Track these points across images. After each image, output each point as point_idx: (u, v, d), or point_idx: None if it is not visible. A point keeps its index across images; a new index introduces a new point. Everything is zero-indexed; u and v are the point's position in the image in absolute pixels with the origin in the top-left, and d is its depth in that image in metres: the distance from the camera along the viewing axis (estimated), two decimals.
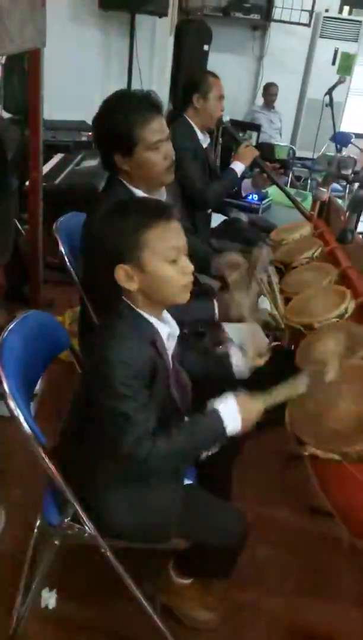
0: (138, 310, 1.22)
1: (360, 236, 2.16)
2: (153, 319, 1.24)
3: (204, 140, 2.60)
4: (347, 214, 1.74)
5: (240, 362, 1.50)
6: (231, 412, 1.22)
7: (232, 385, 1.33)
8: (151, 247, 1.17)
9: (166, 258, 1.18)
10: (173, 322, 1.32)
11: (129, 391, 1.14)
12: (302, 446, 1.27)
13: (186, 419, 1.39)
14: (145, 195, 1.70)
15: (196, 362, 1.52)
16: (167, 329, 1.27)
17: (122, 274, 1.18)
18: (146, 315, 1.23)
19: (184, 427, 1.24)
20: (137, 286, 1.19)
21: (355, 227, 1.78)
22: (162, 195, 1.78)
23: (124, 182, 1.68)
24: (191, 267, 1.23)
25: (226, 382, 1.44)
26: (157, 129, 1.62)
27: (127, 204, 1.27)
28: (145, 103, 1.63)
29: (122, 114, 1.59)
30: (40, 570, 1.38)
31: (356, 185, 2.30)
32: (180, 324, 1.37)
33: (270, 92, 6.14)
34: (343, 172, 3.03)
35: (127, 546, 1.37)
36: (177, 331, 1.33)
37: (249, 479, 2.04)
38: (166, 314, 1.31)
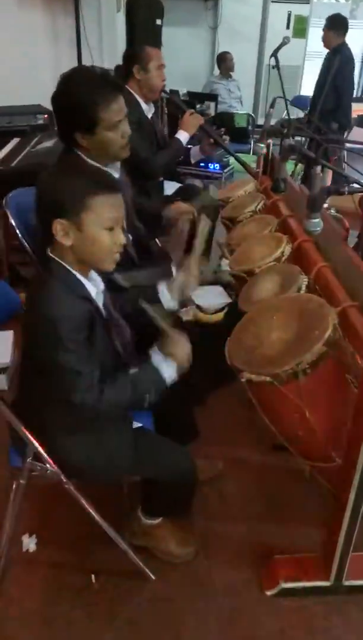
0: (67, 266, 1.29)
1: (299, 186, 2.27)
2: (81, 277, 1.32)
3: (149, 110, 2.67)
4: (279, 164, 1.83)
5: (166, 297, 1.60)
6: (160, 361, 1.37)
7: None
8: (94, 210, 1.25)
9: (104, 225, 1.27)
10: (98, 279, 1.40)
11: (73, 345, 1.24)
12: (240, 374, 1.39)
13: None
14: (98, 167, 1.76)
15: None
16: (94, 289, 1.36)
17: (60, 228, 1.25)
18: (74, 272, 1.31)
19: (127, 376, 1.37)
20: (71, 243, 1.26)
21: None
22: (116, 167, 1.86)
23: (81, 154, 1.74)
24: (123, 240, 1.32)
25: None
26: (117, 110, 1.67)
27: (83, 167, 1.37)
28: (107, 83, 1.68)
29: (85, 94, 1.62)
30: (13, 514, 1.49)
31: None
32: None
33: (225, 61, 6.16)
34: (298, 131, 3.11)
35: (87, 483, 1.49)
36: (102, 286, 1.41)
37: (216, 425, 2.18)
38: (92, 273, 1.38)
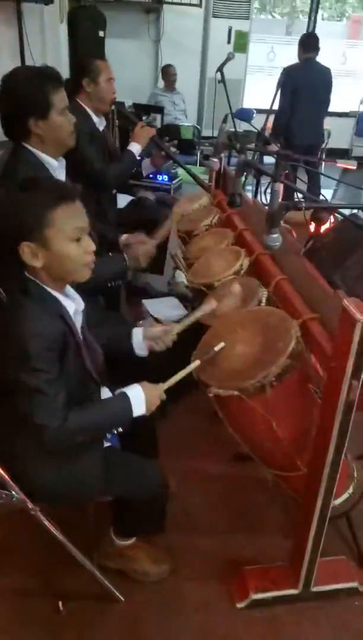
0: (43, 285, 1.28)
1: (252, 200, 2.32)
2: (57, 294, 1.30)
3: (100, 123, 2.65)
4: (234, 179, 1.86)
5: (139, 342, 1.59)
6: (138, 398, 1.34)
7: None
8: (56, 226, 1.22)
9: (70, 237, 1.24)
10: (78, 297, 1.38)
11: (43, 364, 1.21)
12: (207, 389, 1.40)
13: (101, 388, 1.49)
14: (51, 159, 1.83)
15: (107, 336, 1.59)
16: (73, 305, 1.34)
17: (28, 251, 1.22)
18: (50, 290, 1.29)
19: (96, 406, 1.37)
20: (41, 263, 1.24)
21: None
22: (62, 163, 1.89)
23: (31, 148, 1.79)
24: (93, 247, 1.30)
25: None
26: (63, 97, 1.81)
27: (34, 182, 1.30)
28: (50, 73, 1.80)
29: (36, 81, 1.74)
30: None
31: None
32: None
33: (168, 74, 6.21)
34: (248, 145, 3.19)
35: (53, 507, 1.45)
36: (82, 306, 1.39)
37: (178, 438, 2.17)
38: (69, 289, 1.37)
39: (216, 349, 1.44)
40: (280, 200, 1.50)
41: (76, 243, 1.26)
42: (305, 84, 4.44)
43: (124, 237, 2.17)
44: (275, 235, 1.45)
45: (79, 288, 1.39)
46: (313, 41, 4.53)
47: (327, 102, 4.64)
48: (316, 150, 4.62)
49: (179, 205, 2.33)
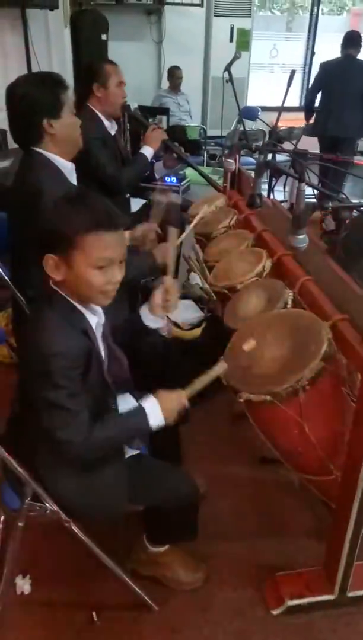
0: (68, 298, 1.26)
1: (270, 200, 2.29)
2: (82, 308, 1.28)
3: (112, 128, 2.64)
4: (254, 180, 1.84)
5: (147, 316, 1.54)
6: (154, 410, 1.32)
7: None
8: (84, 250, 1.19)
9: (94, 264, 1.21)
10: (100, 310, 1.34)
11: (65, 382, 1.19)
12: (237, 394, 1.38)
13: (124, 395, 1.48)
14: (65, 162, 1.82)
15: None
16: (95, 319, 1.32)
17: (51, 263, 1.21)
18: (75, 303, 1.27)
19: (116, 420, 1.35)
20: (62, 277, 1.22)
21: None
22: (73, 166, 1.88)
23: (44, 152, 1.78)
24: (118, 278, 1.26)
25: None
26: (71, 97, 1.83)
27: (82, 198, 1.25)
28: (57, 77, 1.82)
29: (47, 83, 1.76)
30: (9, 556, 1.42)
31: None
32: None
33: (175, 76, 6.19)
34: (254, 144, 3.16)
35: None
36: (103, 318, 1.36)
37: (201, 442, 2.16)
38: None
39: (246, 348, 1.41)
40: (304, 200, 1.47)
41: (100, 271, 1.22)
42: (337, 78, 4.69)
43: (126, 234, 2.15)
44: (301, 237, 1.43)
45: None
46: (353, 38, 4.71)
47: (357, 96, 4.72)
48: (344, 145, 4.63)
49: (197, 208, 2.31)
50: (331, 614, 1.60)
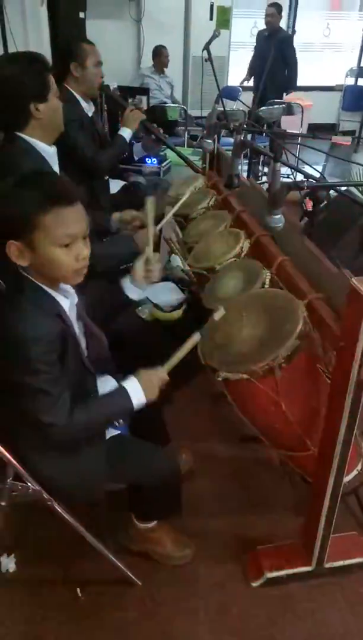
0: (38, 283, 1.24)
1: (249, 180, 2.30)
2: (52, 292, 1.27)
3: (89, 109, 2.61)
4: (232, 160, 1.84)
5: (130, 287, 1.56)
6: (136, 390, 1.34)
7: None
8: (44, 230, 1.16)
9: (58, 243, 1.18)
10: (71, 290, 1.33)
11: (44, 367, 1.20)
12: (216, 373, 1.40)
13: (104, 376, 1.49)
14: (46, 146, 1.80)
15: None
16: (67, 301, 1.31)
17: (14, 249, 1.19)
18: (45, 288, 1.25)
19: (98, 402, 1.37)
20: (28, 263, 1.20)
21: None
22: (54, 150, 1.86)
23: (26, 137, 1.76)
24: (85, 253, 1.24)
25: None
26: (54, 81, 1.79)
27: (34, 178, 1.23)
28: (42, 58, 1.77)
29: (34, 66, 1.72)
30: None
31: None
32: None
33: (162, 55, 6.09)
34: (233, 124, 3.14)
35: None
36: (76, 299, 1.36)
37: (182, 422, 2.18)
38: (63, 285, 1.31)
39: (216, 317, 1.42)
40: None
41: (65, 249, 1.19)
42: None
43: (116, 216, 2.16)
44: (277, 216, 1.44)
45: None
46: None
47: None
48: None
49: (174, 189, 2.30)
50: (309, 585, 1.65)
